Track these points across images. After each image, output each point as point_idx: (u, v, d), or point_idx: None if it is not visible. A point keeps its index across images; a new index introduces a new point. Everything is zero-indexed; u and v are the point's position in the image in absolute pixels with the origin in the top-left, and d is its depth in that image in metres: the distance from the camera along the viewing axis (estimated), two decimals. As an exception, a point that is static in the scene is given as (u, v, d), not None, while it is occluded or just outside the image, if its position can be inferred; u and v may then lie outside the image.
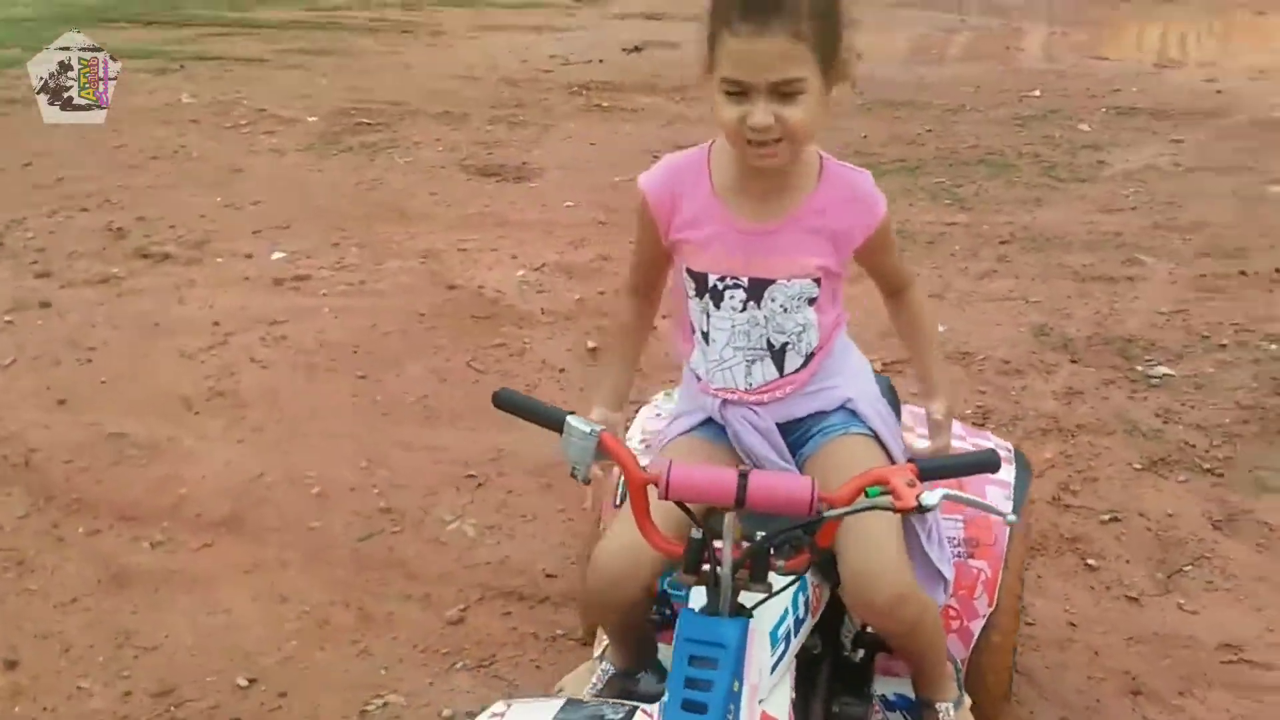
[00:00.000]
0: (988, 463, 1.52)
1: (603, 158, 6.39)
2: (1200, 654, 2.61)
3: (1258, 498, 3.18)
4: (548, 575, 2.87)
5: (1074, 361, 3.96)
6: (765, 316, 1.79)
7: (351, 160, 6.32)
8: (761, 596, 1.50)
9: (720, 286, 1.78)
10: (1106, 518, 3.08)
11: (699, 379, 1.88)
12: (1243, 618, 2.73)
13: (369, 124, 6.98)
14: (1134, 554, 2.94)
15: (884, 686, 2.07)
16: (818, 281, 1.78)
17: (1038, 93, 7.73)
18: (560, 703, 1.48)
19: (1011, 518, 1.52)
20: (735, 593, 1.48)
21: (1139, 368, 3.89)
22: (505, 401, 1.62)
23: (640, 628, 1.95)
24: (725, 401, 1.85)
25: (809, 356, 1.83)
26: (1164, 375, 3.84)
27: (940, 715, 1.94)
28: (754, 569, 1.47)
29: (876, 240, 1.81)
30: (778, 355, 1.82)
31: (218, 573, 2.87)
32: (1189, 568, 2.89)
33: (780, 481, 1.46)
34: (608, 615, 1.90)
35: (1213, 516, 3.10)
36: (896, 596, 1.72)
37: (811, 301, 1.79)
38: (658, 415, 2.35)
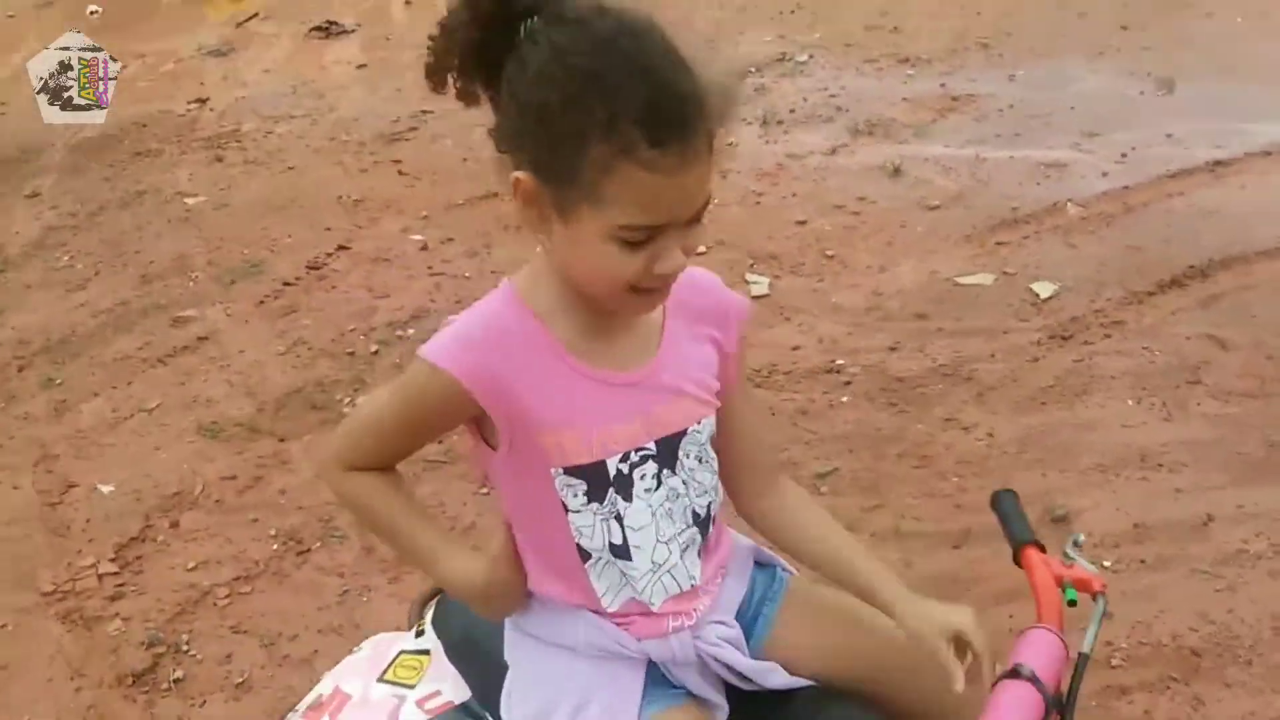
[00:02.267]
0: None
1: None
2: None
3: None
4: None
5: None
6: (684, 481, 1.26)
7: None
8: None
9: (626, 469, 1.23)
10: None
11: (613, 620, 1.28)
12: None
13: None
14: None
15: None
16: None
17: None
18: None
19: None
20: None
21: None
22: None
23: None
24: (690, 631, 1.28)
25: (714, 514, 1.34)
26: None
27: None
28: None
29: (735, 359, 1.32)
30: (703, 524, 1.29)
31: None
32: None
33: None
34: None
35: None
36: None
37: (712, 440, 1.30)
38: None
